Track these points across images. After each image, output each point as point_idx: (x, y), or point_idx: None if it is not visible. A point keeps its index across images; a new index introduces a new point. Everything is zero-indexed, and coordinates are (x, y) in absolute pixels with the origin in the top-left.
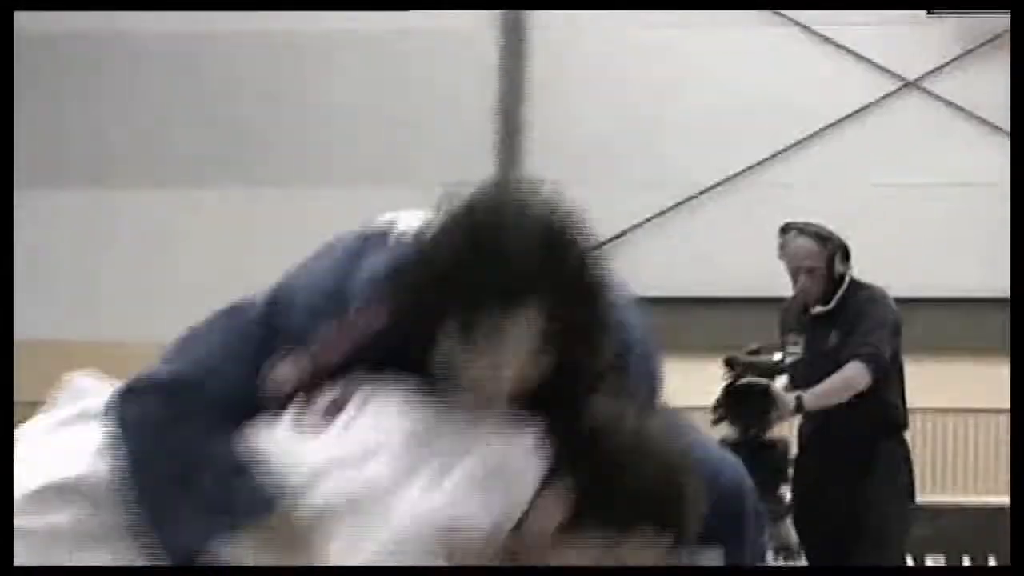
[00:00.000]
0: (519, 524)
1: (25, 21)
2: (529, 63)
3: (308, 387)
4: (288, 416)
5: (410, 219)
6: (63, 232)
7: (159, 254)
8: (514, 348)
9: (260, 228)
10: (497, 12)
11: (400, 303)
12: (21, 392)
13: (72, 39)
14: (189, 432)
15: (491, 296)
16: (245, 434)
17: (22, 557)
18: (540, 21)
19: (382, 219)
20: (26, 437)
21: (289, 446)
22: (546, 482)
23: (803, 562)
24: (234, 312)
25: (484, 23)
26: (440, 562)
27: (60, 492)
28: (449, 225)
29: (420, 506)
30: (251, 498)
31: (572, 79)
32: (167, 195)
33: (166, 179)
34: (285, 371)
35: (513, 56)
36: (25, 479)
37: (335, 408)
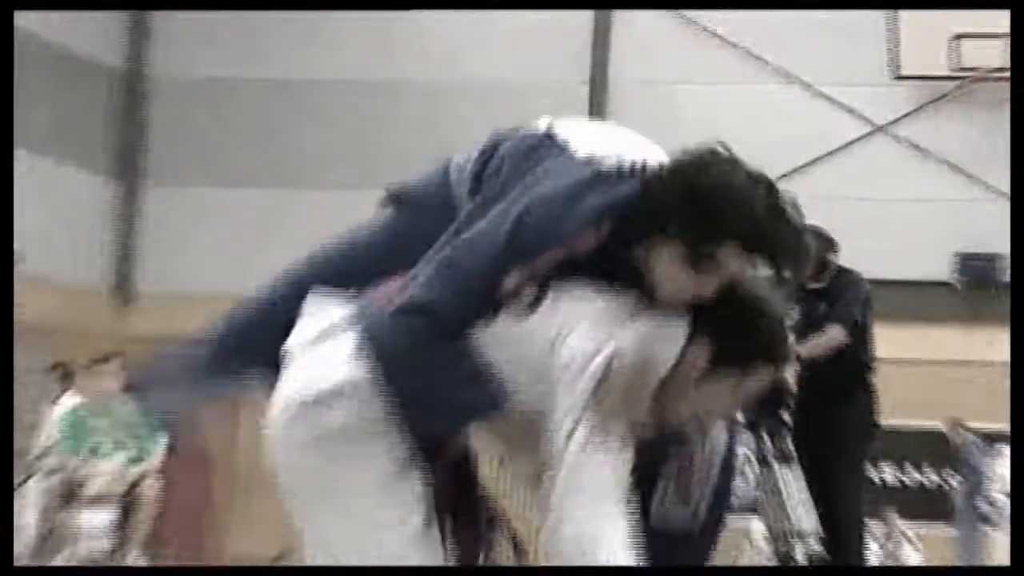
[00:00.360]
0: (674, 369)
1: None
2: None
3: (522, 291)
4: (507, 318)
5: (631, 155)
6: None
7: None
8: (717, 274)
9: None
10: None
11: (619, 232)
12: None
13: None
14: (444, 345)
15: (710, 231)
16: (480, 342)
17: (310, 458)
18: None
19: (608, 154)
20: (291, 351)
21: (512, 352)
22: (691, 338)
23: (797, 468)
24: (481, 241)
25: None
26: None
27: (332, 396)
28: (677, 173)
29: (617, 345)
30: (485, 398)
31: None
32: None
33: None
34: (512, 282)
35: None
36: (301, 389)
37: (536, 302)
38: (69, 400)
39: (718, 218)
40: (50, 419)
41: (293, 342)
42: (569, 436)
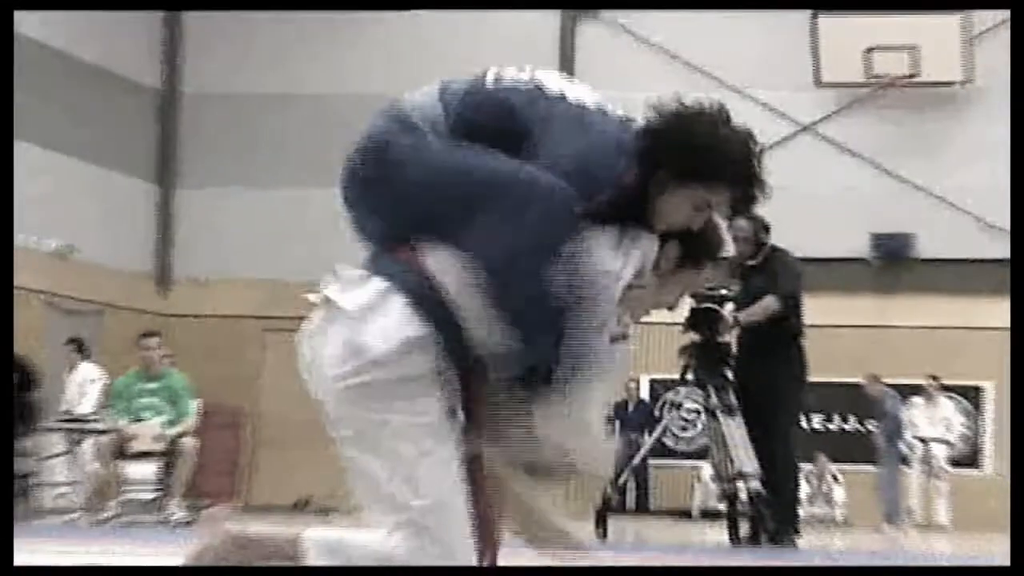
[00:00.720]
0: (655, 266)
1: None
2: None
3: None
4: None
5: (613, 106)
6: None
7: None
8: (707, 213)
9: None
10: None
11: (644, 172)
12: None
13: (235, 97)
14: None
15: (713, 180)
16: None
17: (372, 406)
18: None
19: (607, 105)
20: (348, 313)
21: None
22: (663, 245)
23: (739, 418)
24: (542, 189)
25: None
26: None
27: (395, 353)
28: (678, 123)
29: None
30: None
31: None
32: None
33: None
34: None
35: None
36: (382, 343)
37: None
38: (85, 367)
39: (720, 168)
40: (70, 383)
41: (349, 304)
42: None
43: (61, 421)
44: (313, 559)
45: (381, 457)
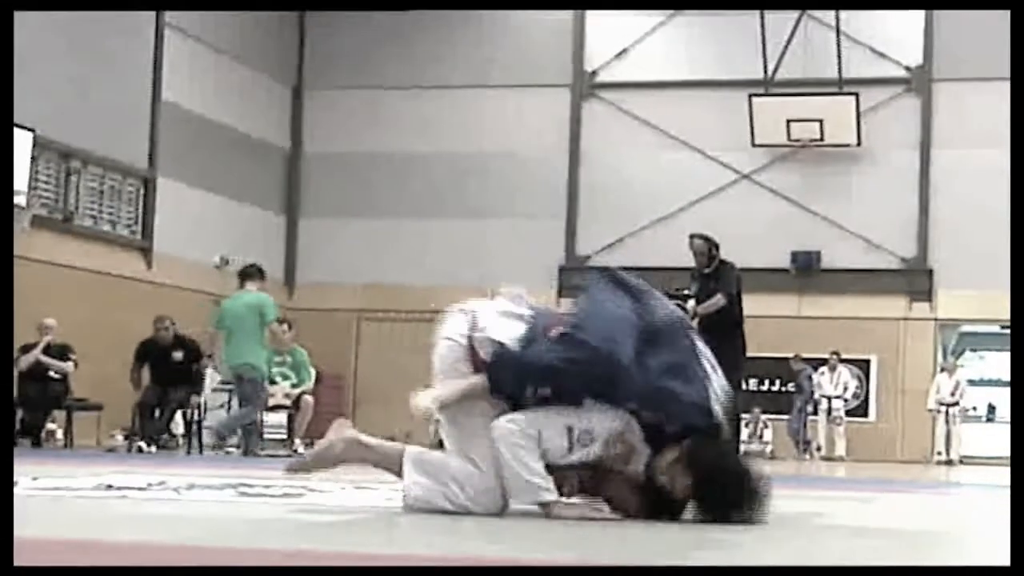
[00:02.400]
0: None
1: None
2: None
3: None
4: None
5: None
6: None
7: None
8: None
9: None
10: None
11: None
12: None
13: (352, 156)
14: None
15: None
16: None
17: (462, 412)
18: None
19: None
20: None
21: None
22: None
23: None
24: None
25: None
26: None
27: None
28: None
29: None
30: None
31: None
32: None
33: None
34: None
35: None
36: (507, 335)
37: None
38: None
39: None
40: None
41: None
42: None
43: (223, 383)
44: (408, 467)
45: (465, 440)
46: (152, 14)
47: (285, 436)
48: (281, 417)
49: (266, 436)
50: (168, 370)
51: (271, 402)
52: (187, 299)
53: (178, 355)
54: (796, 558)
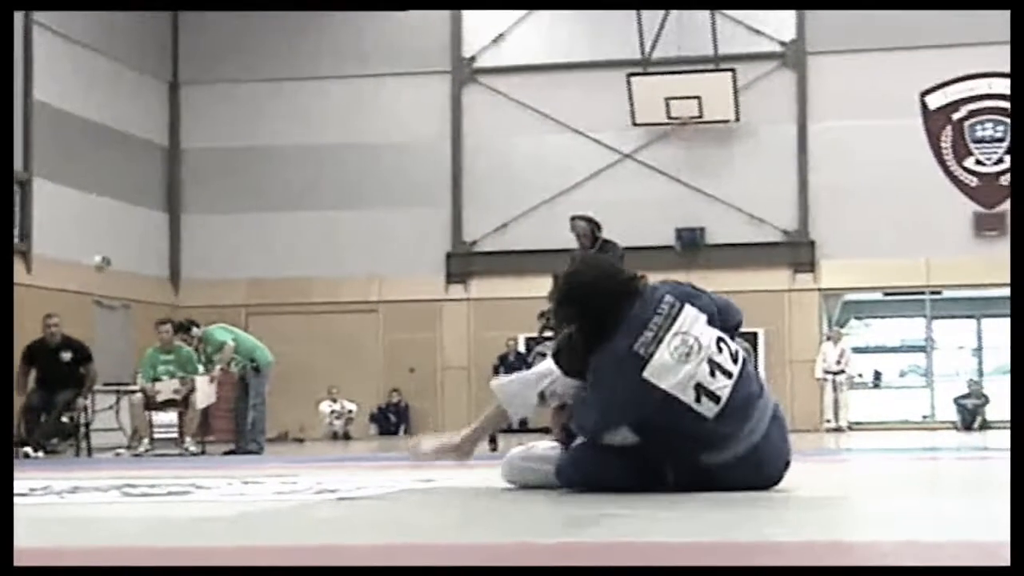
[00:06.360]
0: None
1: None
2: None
3: None
4: None
5: None
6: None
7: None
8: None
9: (337, 235)
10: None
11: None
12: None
13: (233, 150)
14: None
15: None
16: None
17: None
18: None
19: None
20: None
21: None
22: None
23: None
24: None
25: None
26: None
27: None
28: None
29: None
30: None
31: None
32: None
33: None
34: None
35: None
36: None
37: None
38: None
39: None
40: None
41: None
42: None
43: (107, 384)
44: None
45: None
46: (20, 14)
47: (177, 435)
48: (172, 416)
49: (156, 436)
50: (56, 371)
51: (159, 398)
52: (69, 301)
53: (66, 356)
54: (712, 532)
